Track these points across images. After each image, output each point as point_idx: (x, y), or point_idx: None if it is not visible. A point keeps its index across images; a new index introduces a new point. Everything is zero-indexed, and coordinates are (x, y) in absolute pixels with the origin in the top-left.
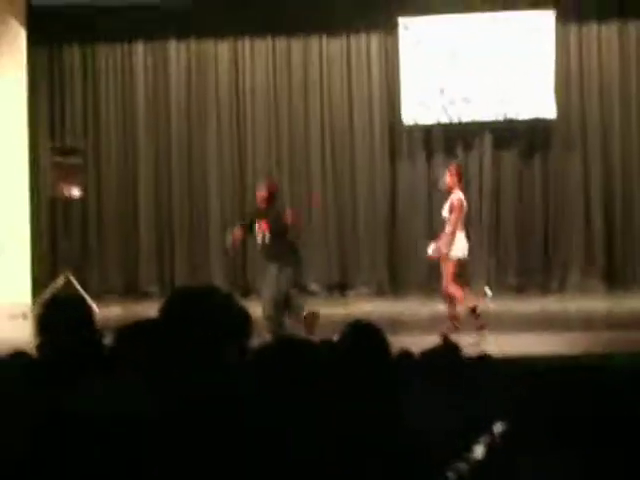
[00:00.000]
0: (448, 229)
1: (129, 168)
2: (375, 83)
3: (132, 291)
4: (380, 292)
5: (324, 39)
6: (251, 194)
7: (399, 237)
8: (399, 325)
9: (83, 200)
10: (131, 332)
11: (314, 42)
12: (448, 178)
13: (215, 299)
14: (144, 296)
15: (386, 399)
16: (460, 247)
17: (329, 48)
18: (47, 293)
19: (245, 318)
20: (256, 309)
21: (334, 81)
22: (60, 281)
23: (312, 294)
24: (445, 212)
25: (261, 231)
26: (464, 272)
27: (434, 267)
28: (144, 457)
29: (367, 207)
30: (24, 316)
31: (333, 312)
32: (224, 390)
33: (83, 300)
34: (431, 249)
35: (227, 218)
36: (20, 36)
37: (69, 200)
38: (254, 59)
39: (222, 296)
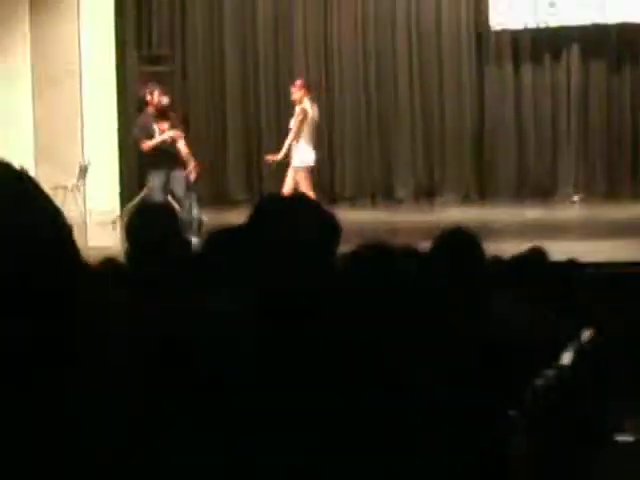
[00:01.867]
0: (289, 138)
1: (216, 75)
2: None
3: (221, 199)
4: (467, 199)
5: None
6: (339, 99)
7: (486, 143)
8: (487, 232)
9: (170, 108)
10: (219, 238)
11: None
12: (294, 93)
13: (303, 206)
14: (233, 204)
15: (480, 306)
16: (307, 155)
17: None
18: (136, 201)
19: (333, 225)
20: (344, 216)
21: None
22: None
23: (399, 201)
24: (292, 124)
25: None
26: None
27: (522, 173)
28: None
29: (454, 113)
30: (113, 223)
31: (420, 219)
32: (310, 297)
33: (171, 207)
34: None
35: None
36: None
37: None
38: None
39: (310, 203)
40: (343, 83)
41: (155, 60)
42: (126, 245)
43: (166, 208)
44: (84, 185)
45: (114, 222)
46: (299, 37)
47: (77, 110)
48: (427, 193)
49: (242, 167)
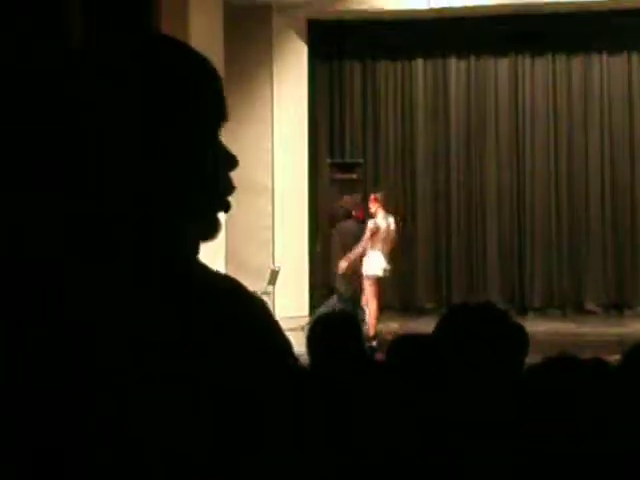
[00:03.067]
0: (357, 249)
1: (407, 185)
2: None
3: (408, 308)
4: None
5: (604, 57)
6: (529, 211)
7: None
8: None
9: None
10: (405, 346)
11: (594, 60)
12: (370, 205)
13: (492, 316)
14: (420, 313)
15: None
16: (375, 266)
17: (609, 66)
18: (324, 307)
19: (522, 335)
20: (533, 327)
21: (614, 100)
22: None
23: (590, 313)
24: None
25: None
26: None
27: None
28: None
29: None
30: (302, 329)
31: (609, 332)
32: (492, 404)
33: (354, 316)
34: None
35: (505, 235)
36: (302, 51)
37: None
38: (534, 76)
39: (499, 313)
40: (534, 196)
41: (347, 168)
42: (309, 352)
43: (350, 317)
44: (274, 290)
45: (303, 328)
46: (491, 153)
47: (269, 215)
48: (617, 305)
49: (431, 276)
